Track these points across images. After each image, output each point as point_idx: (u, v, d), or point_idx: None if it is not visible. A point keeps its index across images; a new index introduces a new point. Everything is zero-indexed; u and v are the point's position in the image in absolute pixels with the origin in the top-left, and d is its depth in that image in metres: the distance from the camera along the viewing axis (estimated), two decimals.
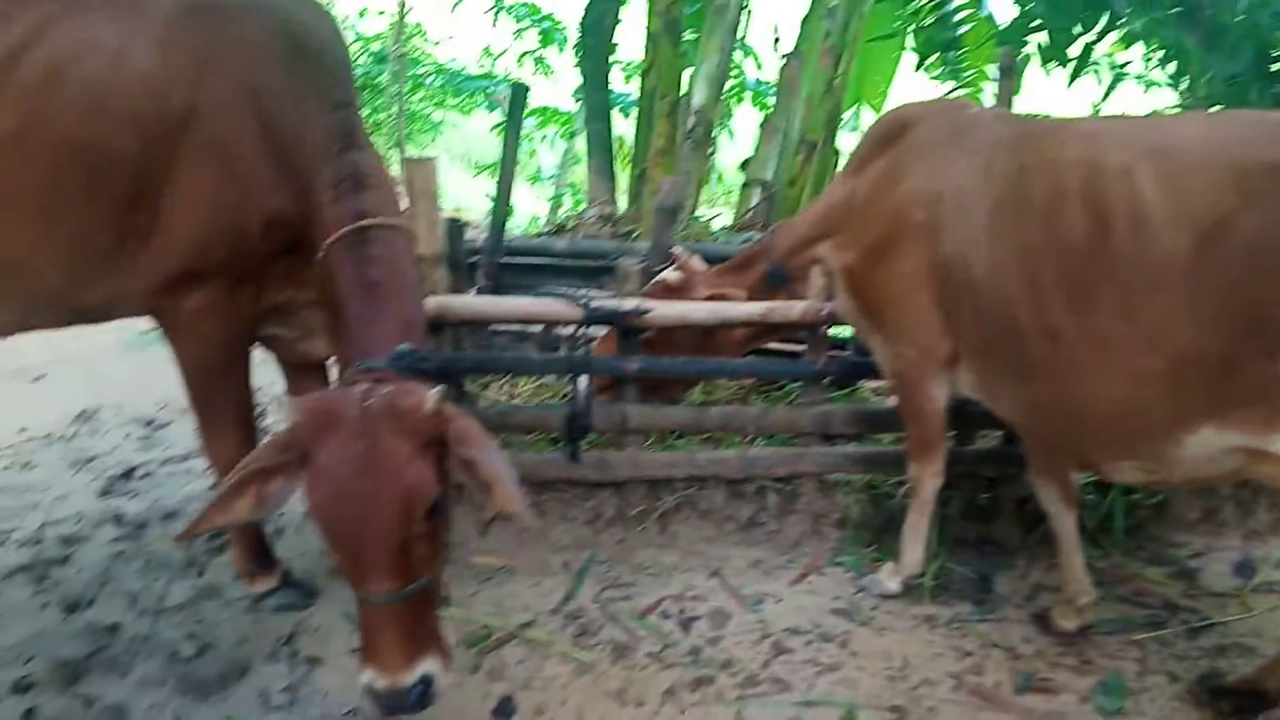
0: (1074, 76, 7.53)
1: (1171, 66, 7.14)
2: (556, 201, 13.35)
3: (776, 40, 9.53)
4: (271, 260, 2.72)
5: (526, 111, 14.49)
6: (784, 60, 8.33)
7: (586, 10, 7.57)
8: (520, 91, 4.62)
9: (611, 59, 7.76)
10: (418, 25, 14.60)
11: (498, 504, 2.11)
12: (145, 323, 2.87)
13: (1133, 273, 2.35)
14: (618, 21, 7.63)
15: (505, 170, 4.89)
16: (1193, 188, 2.29)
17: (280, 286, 2.81)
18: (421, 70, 14.62)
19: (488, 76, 14.58)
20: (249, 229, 2.62)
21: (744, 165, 8.73)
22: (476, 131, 17.58)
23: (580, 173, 14.61)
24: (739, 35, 8.25)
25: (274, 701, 2.71)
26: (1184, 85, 6.92)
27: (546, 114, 14.77)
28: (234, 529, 3.06)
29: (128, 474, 3.93)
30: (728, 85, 9.39)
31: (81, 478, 3.89)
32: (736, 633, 3.19)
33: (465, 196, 15.10)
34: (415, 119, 14.86)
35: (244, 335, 2.86)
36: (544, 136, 15.11)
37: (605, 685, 2.88)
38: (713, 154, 7.97)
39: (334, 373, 3.33)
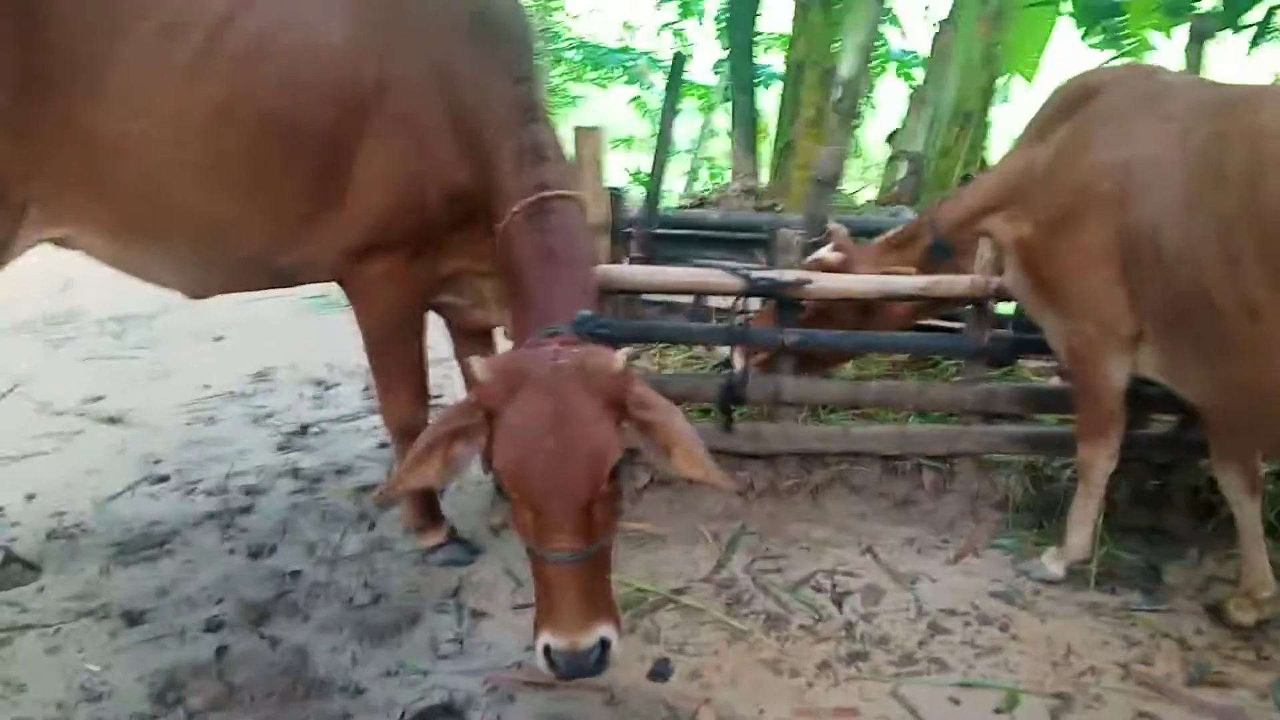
0: (1254, 43, 7.05)
1: None
2: (694, 175, 13.34)
3: (927, 8, 9.20)
4: (450, 231, 2.83)
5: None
6: (936, 28, 8.08)
7: None
8: (680, 61, 4.62)
9: (756, 31, 7.67)
10: None
11: (680, 468, 2.14)
12: (316, 290, 3.05)
13: None
14: None
15: (662, 141, 4.92)
16: None
17: (456, 257, 2.93)
18: (562, 44, 14.80)
19: (626, 50, 14.65)
20: (432, 201, 2.74)
21: (890, 138, 8.52)
22: (613, 105, 17.71)
23: (717, 146, 14.55)
24: (885, 4, 8.03)
25: (442, 650, 2.84)
26: None
27: (684, 87, 14.73)
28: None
29: (303, 430, 4.18)
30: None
31: (260, 433, 4.16)
32: (891, 610, 3.16)
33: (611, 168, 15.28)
34: (554, 93, 15.09)
35: (421, 302, 3.00)
36: (680, 109, 15.09)
37: (759, 654, 2.90)
38: (859, 126, 7.80)
39: (501, 341, 3.46)
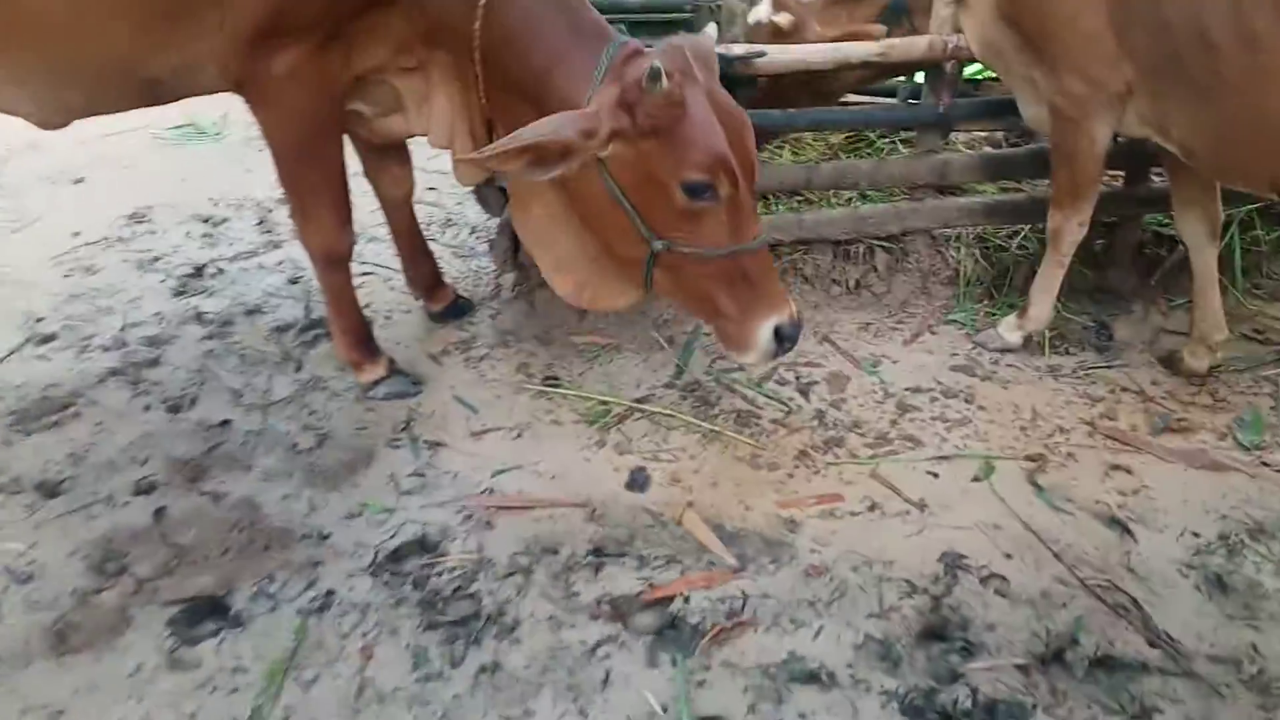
0: None
1: None
2: None
3: None
4: (362, 13, 2.41)
5: None
6: None
7: None
8: None
9: None
10: None
11: None
12: (178, 118, 2.60)
13: None
14: None
15: None
16: None
17: (372, 49, 2.50)
18: None
19: None
20: None
21: None
22: None
23: None
24: None
25: (404, 486, 2.65)
26: None
27: None
28: (339, 308, 2.92)
29: (198, 272, 3.75)
30: None
31: (150, 278, 3.72)
32: (858, 394, 3.10)
33: None
34: None
35: (337, 104, 2.59)
36: None
37: (735, 452, 2.82)
38: None
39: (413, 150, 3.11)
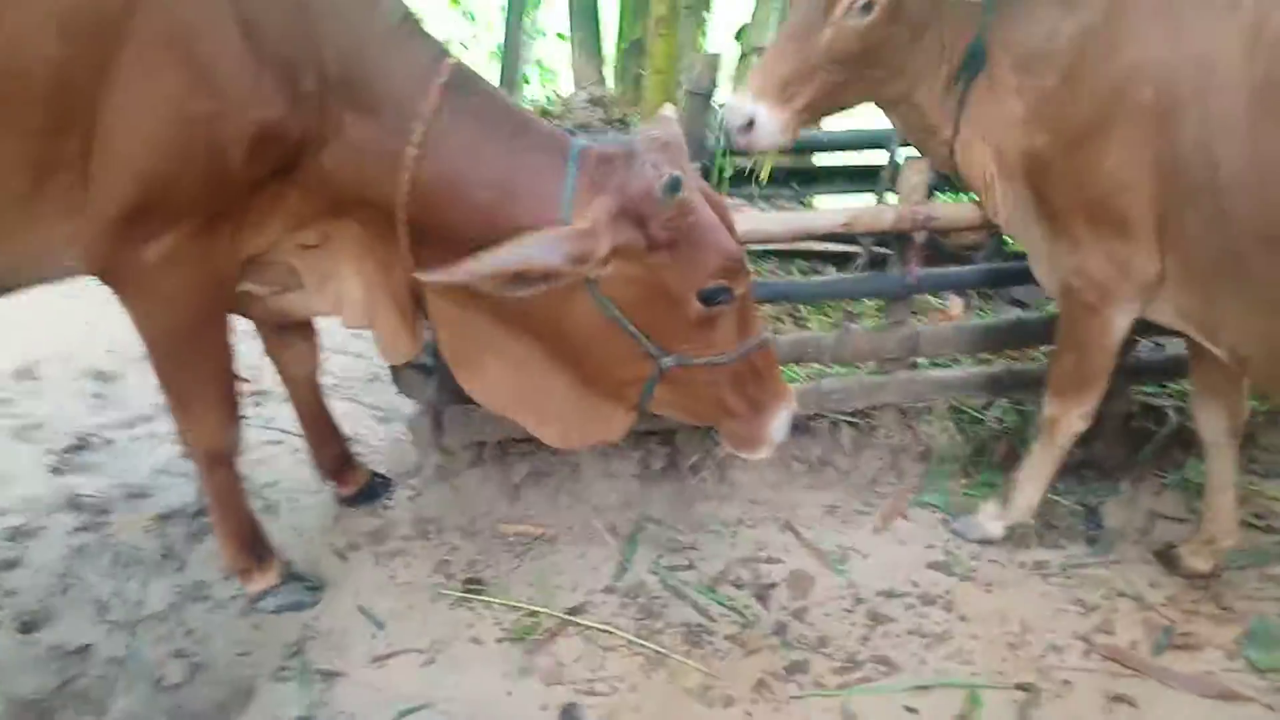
0: None
1: None
2: (524, 80, 12.27)
3: None
4: (256, 190, 2.05)
5: None
6: None
7: None
8: None
9: None
10: None
11: None
12: None
13: None
14: None
15: (509, 51, 4.18)
16: None
17: (263, 227, 2.14)
18: None
19: None
20: (228, 151, 1.94)
21: (739, 34, 7.93)
22: (430, 8, 16.32)
23: (543, 48, 13.55)
24: None
25: None
26: None
27: None
28: (225, 510, 2.51)
29: (81, 444, 3.33)
30: None
31: (27, 452, 3.27)
32: (823, 600, 2.73)
33: None
34: None
35: (221, 291, 2.20)
36: (502, 6, 13.88)
37: (683, 681, 2.42)
38: (709, 17, 7.14)
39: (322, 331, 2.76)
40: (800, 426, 3.15)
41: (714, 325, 2.09)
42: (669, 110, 2.24)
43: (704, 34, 7.15)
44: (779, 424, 2.26)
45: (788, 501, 3.12)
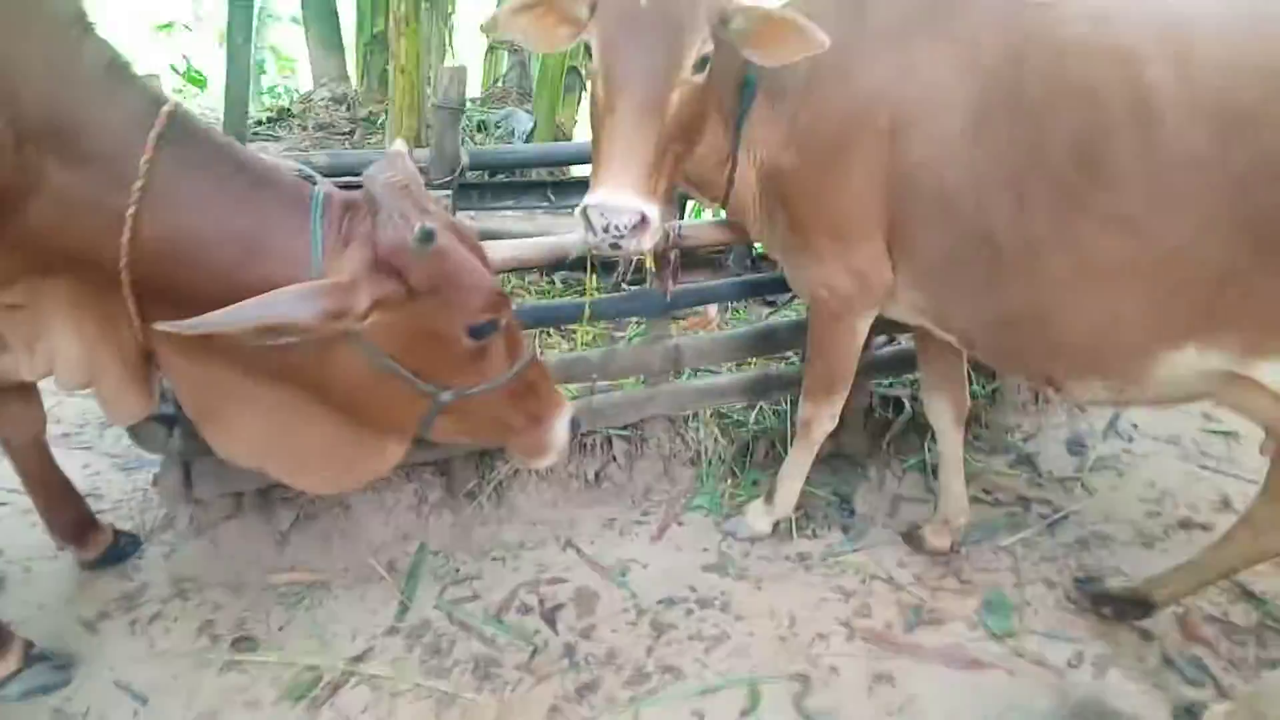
0: None
1: None
2: (260, 68, 11.47)
3: None
4: None
5: None
6: None
7: None
8: None
9: None
10: None
11: None
12: None
13: (1138, 176, 2.03)
14: None
15: (233, 49, 3.90)
16: (1214, 80, 1.97)
17: None
18: None
19: None
20: None
21: (485, 26, 7.82)
22: None
23: (280, 33, 12.76)
24: None
25: None
26: None
27: None
28: None
29: None
30: None
31: None
32: (608, 616, 2.79)
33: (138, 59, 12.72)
34: None
35: None
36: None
37: (477, 719, 2.41)
38: (453, 13, 7.00)
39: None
40: (575, 443, 3.20)
41: (485, 355, 2.10)
42: (400, 145, 2.18)
43: (449, 29, 7.01)
44: (559, 429, 2.33)
45: (567, 519, 3.16)
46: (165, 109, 1.85)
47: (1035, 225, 2.17)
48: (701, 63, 2.22)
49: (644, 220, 2.12)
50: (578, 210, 2.18)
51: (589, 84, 2.36)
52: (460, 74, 3.39)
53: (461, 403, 2.12)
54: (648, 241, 2.18)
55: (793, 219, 2.60)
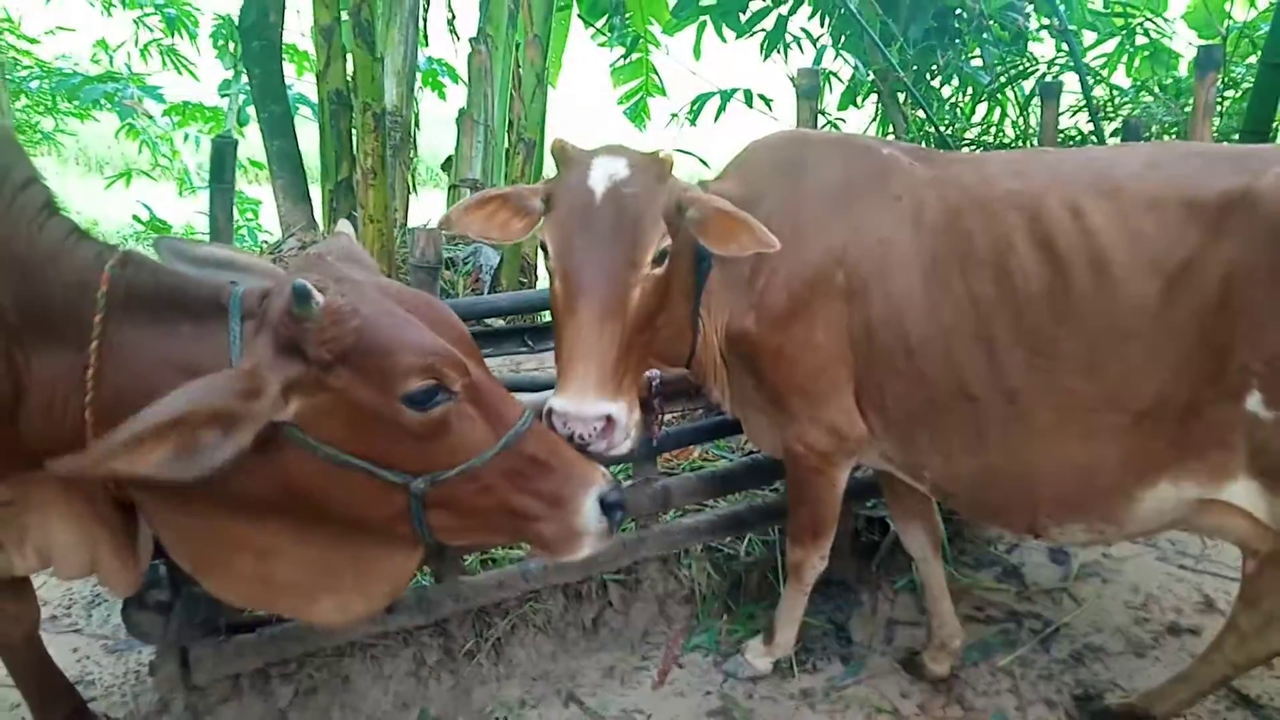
0: (769, 49, 7.57)
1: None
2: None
3: (452, 20, 8.70)
4: None
5: (165, 110, 12.66)
6: (472, 46, 7.74)
7: (243, 9, 6.48)
8: (226, 149, 3.60)
9: (281, 63, 6.73)
10: (6, 18, 12.03)
11: None
12: None
13: (1096, 321, 2.14)
14: (283, 21, 6.61)
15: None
16: (1151, 228, 2.11)
17: None
18: (21, 73, 12.08)
19: (111, 76, 12.39)
20: None
21: (446, 165, 8.05)
22: (99, 136, 15.19)
23: (243, 181, 13.02)
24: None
25: None
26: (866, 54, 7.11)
27: (187, 110, 12.90)
28: None
29: None
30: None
31: None
32: None
33: (99, 209, 12.84)
34: (22, 129, 12.32)
35: None
36: (186, 136, 13.16)
37: None
38: (415, 159, 7.22)
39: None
40: (570, 592, 3.21)
41: (448, 429, 1.83)
42: (345, 226, 2.12)
43: (413, 173, 7.22)
44: (588, 509, 1.90)
45: (567, 670, 3.13)
46: (109, 265, 1.82)
47: (1010, 376, 2.27)
48: (661, 256, 2.22)
49: (610, 422, 2.07)
50: (544, 410, 2.10)
51: (549, 276, 2.30)
52: (435, 236, 3.47)
53: (443, 491, 1.86)
54: (620, 442, 2.12)
55: (761, 380, 2.62)
